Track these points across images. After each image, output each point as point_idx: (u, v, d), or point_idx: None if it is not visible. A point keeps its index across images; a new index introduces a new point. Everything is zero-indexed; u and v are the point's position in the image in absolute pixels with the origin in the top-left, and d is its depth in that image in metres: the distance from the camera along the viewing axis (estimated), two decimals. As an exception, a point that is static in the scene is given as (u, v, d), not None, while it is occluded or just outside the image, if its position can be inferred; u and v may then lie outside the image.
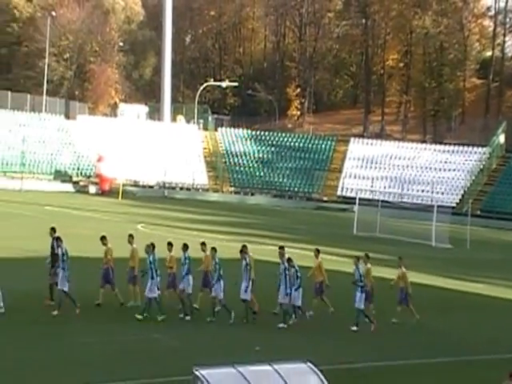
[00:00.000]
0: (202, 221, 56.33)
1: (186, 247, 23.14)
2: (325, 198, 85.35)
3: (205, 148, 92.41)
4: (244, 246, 23.81)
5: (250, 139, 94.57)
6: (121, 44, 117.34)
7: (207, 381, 10.44)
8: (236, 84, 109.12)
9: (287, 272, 22.55)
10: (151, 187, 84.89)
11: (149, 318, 21.96)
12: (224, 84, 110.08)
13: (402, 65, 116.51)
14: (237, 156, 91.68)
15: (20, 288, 23.89)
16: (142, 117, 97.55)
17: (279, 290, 22.71)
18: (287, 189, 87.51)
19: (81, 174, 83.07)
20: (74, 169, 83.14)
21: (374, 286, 24.94)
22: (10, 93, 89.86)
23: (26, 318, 21.52)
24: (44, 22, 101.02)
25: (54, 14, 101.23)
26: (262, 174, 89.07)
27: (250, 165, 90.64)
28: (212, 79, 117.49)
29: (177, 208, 66.53)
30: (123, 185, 76.37)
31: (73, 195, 75.48)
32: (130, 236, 23.73)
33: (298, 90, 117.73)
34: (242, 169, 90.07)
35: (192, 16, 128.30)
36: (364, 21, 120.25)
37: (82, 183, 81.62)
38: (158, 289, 22.34)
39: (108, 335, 20.28)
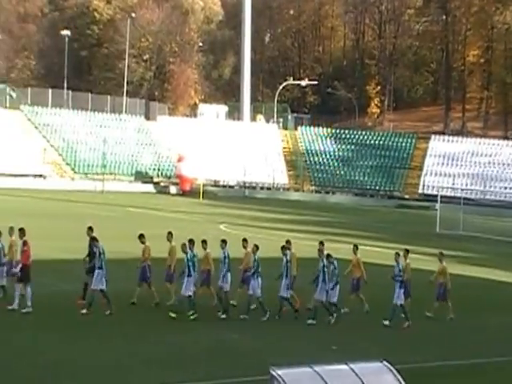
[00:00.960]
0: (283, 220, 56.10)
1: (224, 243, 22.88)
2: (406, 196, 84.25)
3: (284, 147, 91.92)
4: (287, 242, 23.70)
5: (330, 137, 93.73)
6: (200, 44, 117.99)
7: (284, 380, 10.48)
8: (315, 82, 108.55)
9: (326, 269, 22.30)
10: (231, 187, 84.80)
11: (178, 316, 21.78)
12: (303, 82, 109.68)
13: (482, 60, 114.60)
14: (317, 155, 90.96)
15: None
16: (221, 116, 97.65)
17: (317, 287, 22.42)
18: (368, 187, 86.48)
19: (161, 174, 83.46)
20: (154, 169, 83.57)
21: (410, 281, 24.42)
22: (90, 94, 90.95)
23: (113, 318, 21.63)
24: (124, 23, 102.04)
25: (133, 15, 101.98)
26: (342, 172, 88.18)
27: (331, 163, 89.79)
28: (291, 78, 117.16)
29: (258, 207, 66.43)
30: (204, 185, 76.46)
31: (154, 196, 75.94)
32: (169, 234, 23.57)
33: (378, 87, 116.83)
34: (322, 167, 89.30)
35: (271, 15, 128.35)
36: (444, 17, 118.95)
37: (162, 184, 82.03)
38: (195, 286, 22.26)
39: (190, 335, 20.29)
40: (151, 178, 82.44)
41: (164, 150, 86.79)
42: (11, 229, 22.36)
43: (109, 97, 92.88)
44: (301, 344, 20.27)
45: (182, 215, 55.07)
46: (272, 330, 21.53)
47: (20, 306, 21.59)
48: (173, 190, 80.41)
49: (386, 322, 22.84)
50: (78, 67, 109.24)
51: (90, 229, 23.18)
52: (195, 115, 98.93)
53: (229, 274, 22.55)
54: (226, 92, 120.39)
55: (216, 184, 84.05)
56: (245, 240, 23.72)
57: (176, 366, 17.45)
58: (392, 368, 11.42)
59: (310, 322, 22.40)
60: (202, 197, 73.07)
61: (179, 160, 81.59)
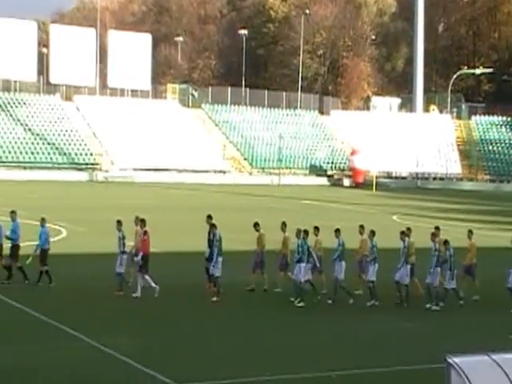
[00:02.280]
0: (457, 210, 55.81)
1: (338, 232, 22.79)
2: None
3: (458, 137, 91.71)
4: (408, 229, 23.57)
5: (506, 126, 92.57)
6: (373, 37, 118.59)
7: (461, 368, 10.10)
8: (491, 70, 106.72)
9: (438, 253, 22.12)
10: (404, 178, 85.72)
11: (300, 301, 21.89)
12: (478, 71, 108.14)
13: None
14: (491, 144, 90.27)
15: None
16: (394, 109, 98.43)
17: (430, 272, 22.21)
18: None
19: (335, 167, 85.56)
20: (328, 163, 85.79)
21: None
22: (266, 91, 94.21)
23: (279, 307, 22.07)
24: (298, 20, 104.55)
25: (307, 11, 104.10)
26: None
27: (506, 152, 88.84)
28: (465, 67, 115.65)
29: (430, 198, 66.80)
30: (376, 177, 77.80)
31: (328, 188, 77.93)
32: (283, 224, 23.69)
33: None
34: (497, 156, 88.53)
35: (445, 4, 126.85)
36: None
37: (336, 177, 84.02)
38: (312, 273, 22.42)
39: (362, 324, 20.50)
40: (325, 171, 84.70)
41: (338, 144, 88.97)
42: (136, 218, 22.90)
43: (284, 93, 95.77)
44: (476, 331, 20.02)
45: (355, 207, 55.98)
46: (446, 318, 21.44)
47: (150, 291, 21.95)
48: (346, 182, 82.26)
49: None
50: (255, 65, 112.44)
51: (209, 217, 23.14)
52: (368, 108, 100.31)
53: (343, 263, 22.49)
54: (398, 84, 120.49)
55: (389, 175, 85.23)
56: (361, 226, 23.53)
57: (348, 353, 17.63)
58: None
59: (428, 306, 22.24)
60: (375, 188, 74.43)
61: (353, 153, 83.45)
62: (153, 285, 22.07)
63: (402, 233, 22.84)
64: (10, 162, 73.52)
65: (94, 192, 62.79)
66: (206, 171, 78.25)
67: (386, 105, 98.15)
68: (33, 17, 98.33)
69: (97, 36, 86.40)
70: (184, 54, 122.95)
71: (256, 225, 23.79)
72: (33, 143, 76.36)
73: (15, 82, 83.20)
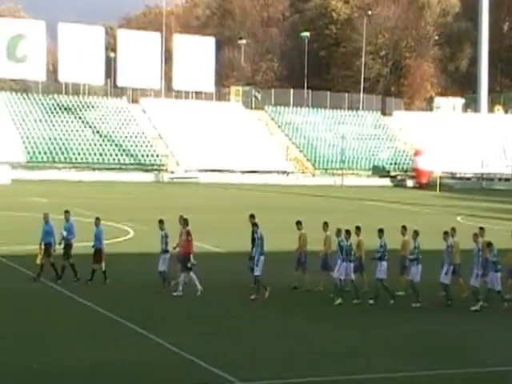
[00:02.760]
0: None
1: (381, 232, 22.54)
2: None
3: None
4: (452, 229, 23.19)
5: None
6: (436, 37, 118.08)
7: None
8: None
9: (480, 253, 21.77)
10: (468, 179, 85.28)
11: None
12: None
13: None
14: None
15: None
16: (457, 109, 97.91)
17: (472, 273, 21.90)
18: None
19: (398, 168, 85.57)
20: (391, 164, 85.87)
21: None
22: (329, 93, 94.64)
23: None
24: (360, 21, 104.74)
25: (369, 13, 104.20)
26: None
27: None
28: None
29: (495, 199, 66.14)
30: (440, 177, 77.62)
31: (390, 189, 78.06)
32: (325, 224, 23.37)
33: None
34: None
35: (510, 4, 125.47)
36: None
37: (399, 177, 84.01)
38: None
39: (435, 325, 20.46)
40: (388, 172, 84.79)
41: (400, 145, 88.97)
42: (181, 218, 23.08)
43: (346, 94, 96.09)
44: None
45: (418, 208, 55.89)
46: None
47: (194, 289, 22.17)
48: (409, 183, 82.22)
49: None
50: (317, 67, 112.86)
51: (252, 216, 23.13)
52: (431, 109, 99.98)
53: (384, 263, 22.32)
54: (462, 84, 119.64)
55: (453, 176, 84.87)
56: (404, 227, 23.34)
57: (418, 354, 17.39)
58: None
59: (474, 308, 21.97)
60: (439, 189, 74.25)
61: (416, 154, 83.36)
62: (180, 288, 22.19)
63: (445, 233, 22.60)
64: (80, 164, 75.37)
65: (160, 192, 63.91)
66: (269, 172, 79.04)
67: (449, 105, 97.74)
68: (101, 22, 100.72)
69: (162, 40, 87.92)
70: (247, 57, 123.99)
71: (298, 223, 23.60)
72: (101, 145, 78.11)
73: (84, 85, 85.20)
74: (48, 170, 72.55)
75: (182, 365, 16.06)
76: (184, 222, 22.84)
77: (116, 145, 78.76)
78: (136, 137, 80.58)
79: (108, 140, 79.12)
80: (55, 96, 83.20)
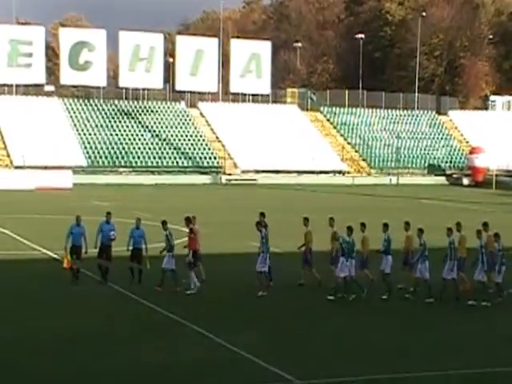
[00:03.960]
0: None
1: (386, 227, 23.15)
2: None
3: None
4: (458, 224, 23.47)
5: None
6: (490, 36, 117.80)
7: None
8: None
9: (483, 250, 22.11)
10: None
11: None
12: None
13: None
14: None
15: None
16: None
17: (476, 269, 22.37)
18: None
19: (453, 166, 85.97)
20: (446, 162, 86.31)
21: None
22: (384, 93, 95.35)
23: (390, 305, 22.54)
24: (415, 22, 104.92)
25: (424, 14, 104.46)
26: None
27: None
28: None
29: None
30: (496, 175, 77.75)
31: (446, 188, 78.21)
32: (331, 219, 23.86)
33: None
34: None
35: None
36: None
37: (455, 176, 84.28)
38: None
39: (486, 323, 20.82)
40: (443, 170, 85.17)
41: (456, 143, 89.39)
42: (193, 218, 23.94)
43: (401, 94, 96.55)
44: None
45: (474, 206, 55.99)
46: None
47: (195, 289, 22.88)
48: (465, 181, 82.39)
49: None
50: (372, 68, 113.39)
51: (262, 214, 23.96)
52: (486, 107, 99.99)
53: (389, 257, 22.85)
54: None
55: (509, 174, 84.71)
56: (407, 223, 23.61)
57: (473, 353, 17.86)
58: None
59: (484, 303, 22.29)
60: (495, 187, 74.50)
61: (472, 152, 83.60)
62: (196, 282, 22.91)
63: (449, 229, 22.74)
64: (139, 167, 77.34)
65: (218, 194, 65.18)
66: (326, 172, 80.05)
67: (505, 103, 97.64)
68: (159, 28, 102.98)
69: (219, 44, 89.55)
70: (303, 59, 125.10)
71: (305, 220, 24.17)
72: (160, 148, 79.89)
73: (143, 90, 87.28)
74: (108, 174, 74.30)
75: (241, 364, 16.55)
76: (186, 221, 23.66)
77: (175, 148, 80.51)
78: (194, 139, 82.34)
79: (167, 143, 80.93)
80: (115, 101, 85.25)
